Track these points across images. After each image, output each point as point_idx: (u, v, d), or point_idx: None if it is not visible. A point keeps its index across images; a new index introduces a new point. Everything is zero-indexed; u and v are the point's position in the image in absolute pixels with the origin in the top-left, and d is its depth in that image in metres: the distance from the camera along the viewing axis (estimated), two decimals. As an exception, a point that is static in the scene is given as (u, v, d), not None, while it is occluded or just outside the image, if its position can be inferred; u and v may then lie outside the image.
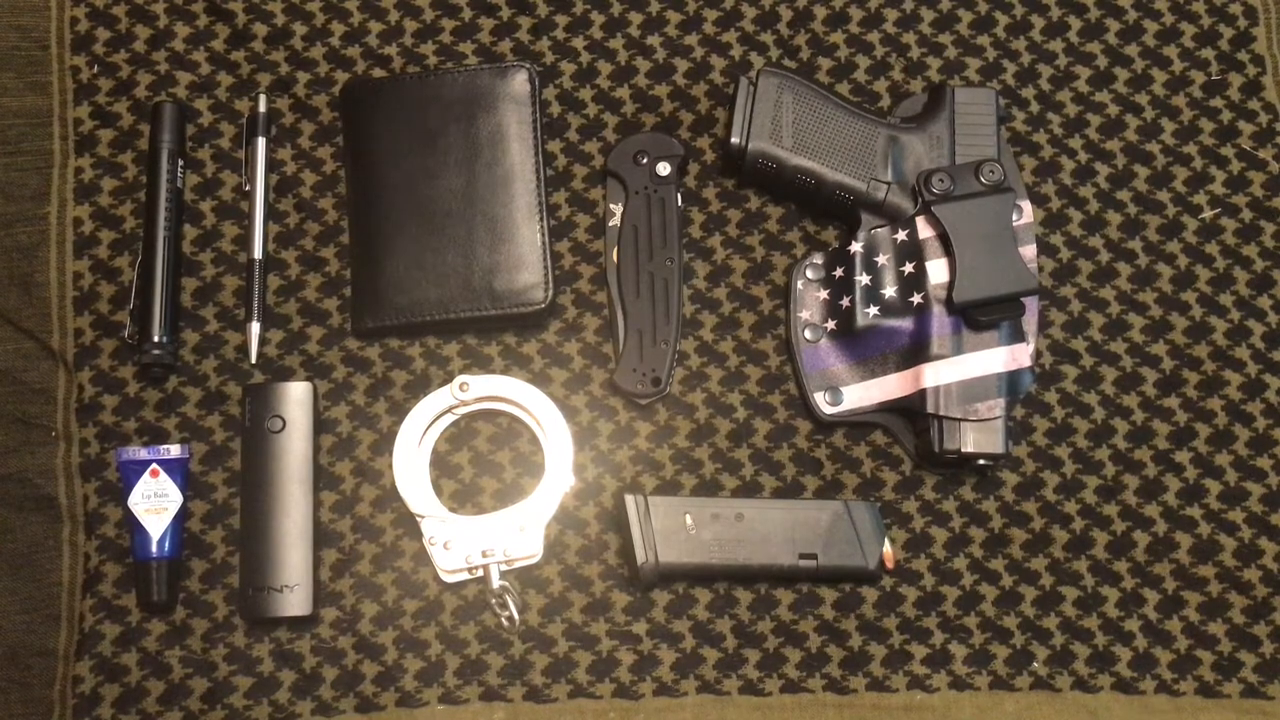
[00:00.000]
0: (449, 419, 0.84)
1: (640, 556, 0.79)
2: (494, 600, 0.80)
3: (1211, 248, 0.89)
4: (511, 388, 0.83)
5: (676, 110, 0.90)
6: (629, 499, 0.80)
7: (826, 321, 0.85)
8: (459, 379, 0.83)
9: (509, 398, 0.83)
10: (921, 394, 0.81)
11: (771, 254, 0.88)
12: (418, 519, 0.81)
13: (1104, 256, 0.89)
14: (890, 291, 0.83)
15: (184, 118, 0.87)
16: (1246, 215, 0.90)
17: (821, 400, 0.84)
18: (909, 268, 0.82)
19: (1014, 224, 0.82)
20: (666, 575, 0.81)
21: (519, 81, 0.86)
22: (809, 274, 0.86)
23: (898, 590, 0.82)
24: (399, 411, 0.84)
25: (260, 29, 0.90)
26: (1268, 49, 0.93)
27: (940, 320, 0.81)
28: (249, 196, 0.86)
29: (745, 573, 0.81)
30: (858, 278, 0.83)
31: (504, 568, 0.81)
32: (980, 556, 0.83)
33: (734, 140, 0.85)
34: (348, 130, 0.88)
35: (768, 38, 0.91)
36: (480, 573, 0.80)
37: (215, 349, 0.84)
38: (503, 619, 0.80)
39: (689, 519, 0.80)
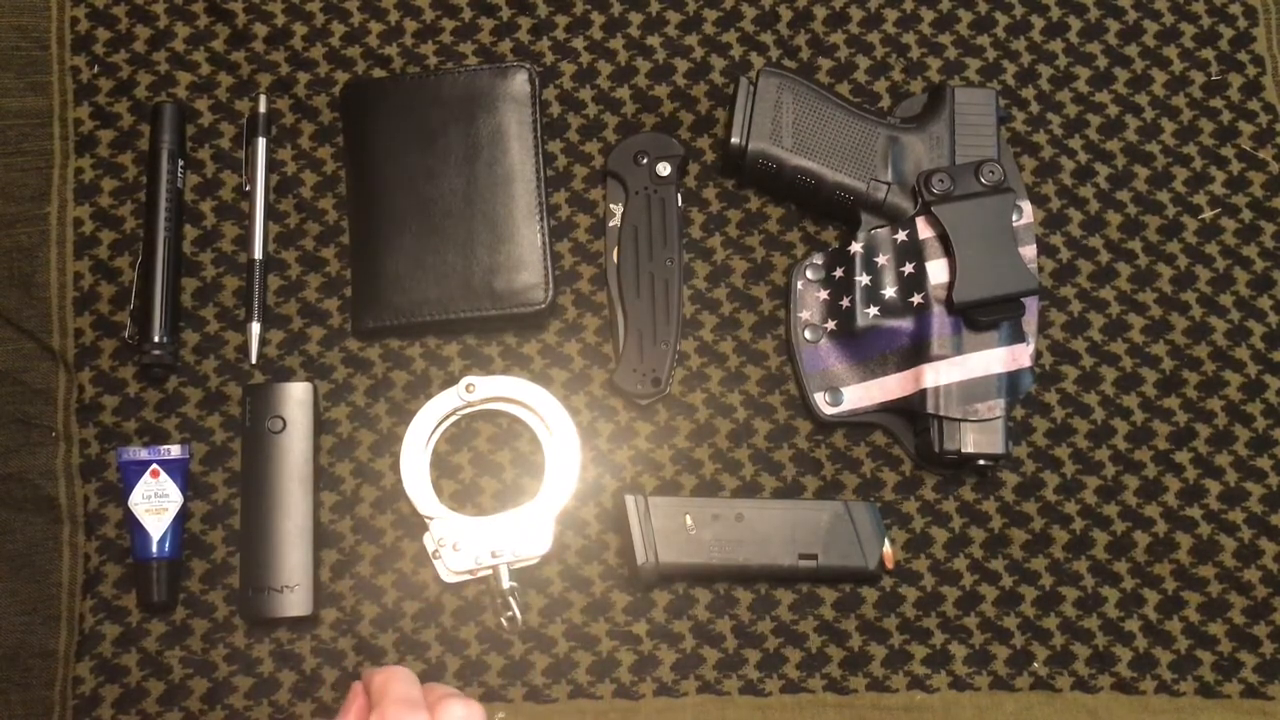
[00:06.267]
0: (454, 420, 0.84)
1: (640, 556, 0.80)
2: (500, 600, 0.80)
3: (1211, 248, 0.89)
4: (518, 388, 0.83)
5: (676, 110, 0.90)
6: (629, 499, 0.80)
7: (826, 322, 0.85)
8: (465, 380, 0.83)
9: (515, 398, 0.83)
10: (921, 394, 0.81)
11: (771, 254, 0.88)
12: (426, 520, 0.81)
13: (1104, 256, 0.89)
14: (890, 292, 0.83)
15: (184, 118, 0.87)
16: (1246, 215, 0.90)
17: (821, 400, 0.84)
18: (909, 268, 0.82)
19: (1014, 224, 0.82)
20: (666, 575, 0.81)
21: (519, 81, 0.86)
22: (809, 274, 0.86)
23: (898, 590, 0.83)
24: (399, 412, 0.84)
25: (260, 29, 0.90)
26: (1268, 49, 0.93)
27: (940, 320, 0.81)
28: (249, 196, 0.86)
29: (745, 573, 0.81)
30: (858, 278, 0.83)
31: (514, 566, 0.81)
32: (980, 557, 0.83)
33: (734, 140, 0.85)
34: (348, 130, 0.88)
35: (768, 38, 0.91)
36: (481, 573, 0.80)
37: (215, 349, 0.84)
38: (504, 619, 0.80)
39: (689, 519, 0.80)
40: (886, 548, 0.81)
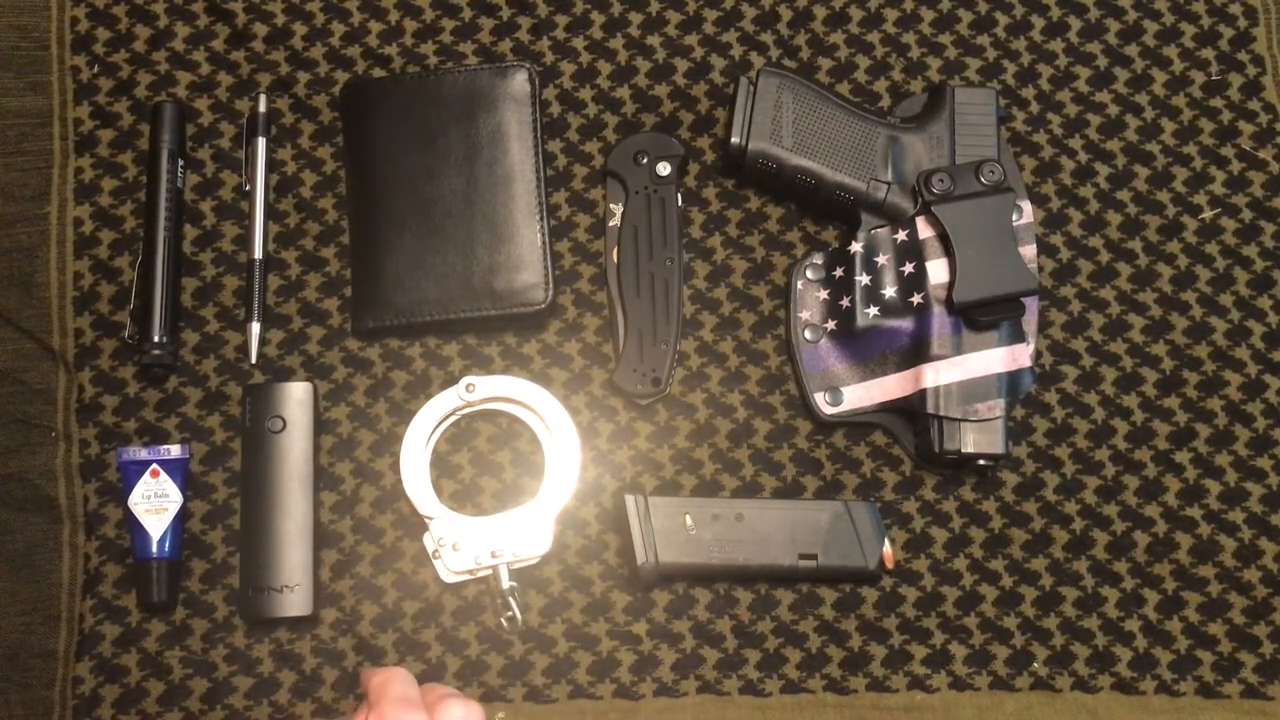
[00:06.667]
0: (454, 420, 0.84)
1: (640, 556, 0.79)
2: (500, 600, 0.80)
3: (1211, 248, 0.89)
4: (518, 388, 0.83)
5: (676, 110, 0.90)
6: (629, 499, 0.80)
7: (826, 321, 0.85)
8: (465, 380, 0.83)
9: (515, 398, 0.83)
10: (921, 394, 0.81)
11: (771, 254, 0.88)
12: (426, 520, 0.81)
13: (1104, 256, 0.89)
14: (890, 291, 0.83)
15: (184, 118, 0.87)
16: (1246, 215, 0.90)
17: (821, 400, 0.84)
18: (909, 268, 0.82)
19: (1014, 224, 0.82)
20: (666, 575, 0.81)
21: (519, 81, 0.86)
22: (809, 274, 0.86)
23: (898, 590, 0.83)
24: (399, 412, 0.84)
25: (260, 29, 0.90)
26: (1268, 49, 0.93)
27: (940, 320, 0.81)
28: (249, 196, 0.86)
29: (745, 573, 0.81)
30: (858, 278, 0.83)
31: (514, 566, 0.81)
32: (980, 557, 0.83)
33: (734, 140, 0.85)
34: (348, 130, 0.88)
35: (768, 38, 0.91)
36: (481, 573, 0.80)
37: (215, 349, 0.84)
38: (504, 619, 0.80)
39: (689, 519, 0.80)
40: (886, 548, 0.81)
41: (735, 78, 0.86)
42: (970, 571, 0.83)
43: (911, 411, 0.82)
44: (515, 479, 0.83)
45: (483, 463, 0.84)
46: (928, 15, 0.92)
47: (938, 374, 0.81)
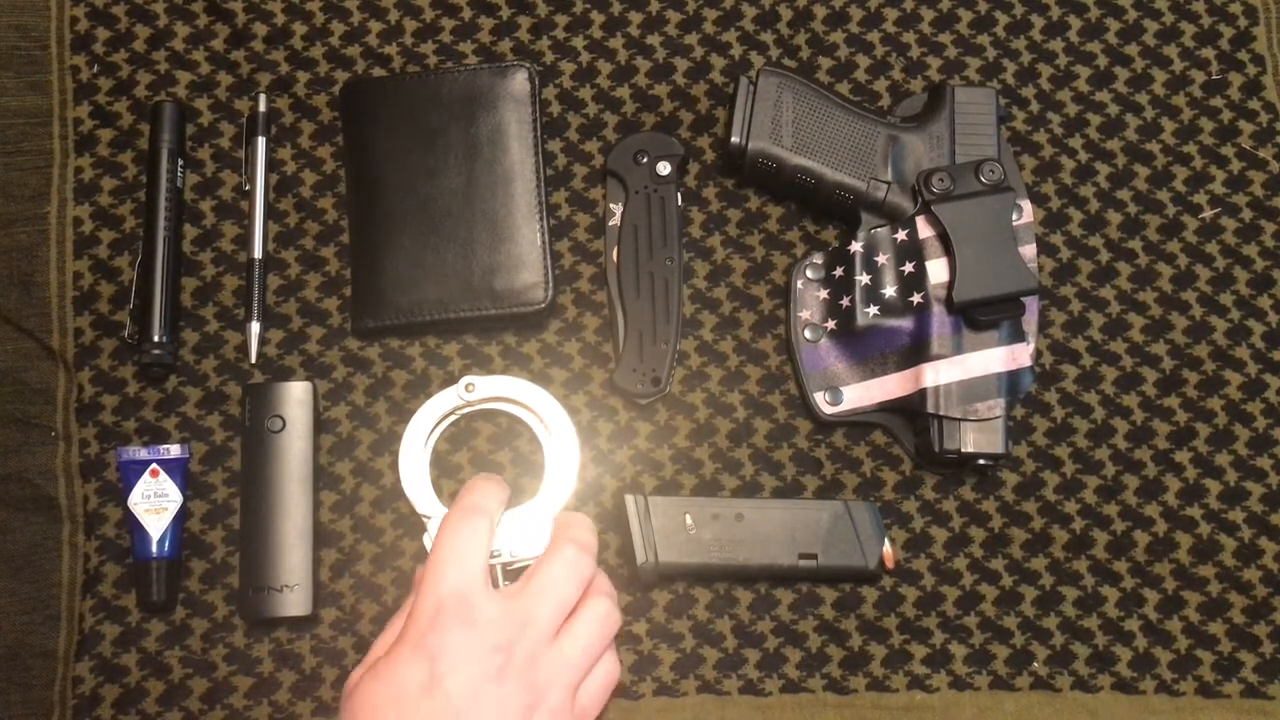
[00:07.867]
0: (453, 419, 0.84)
1: (640, 556, 0.79)
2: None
3: (1211, 248, 0.89)
4: (517, 388, 0.83)
5: (676, 110, 0.90)
6: (629, 499, 0.80)
7: (826, 321, 0.85)
8: (465, 379, 0.83)
9: (515, 398, 0.83)
10: (921, 394, 0.81)
11: (771, 254, 0.88)
12: (426, 520, 0.81)
13: (1104, 256, 0.89)
14: (890, 291, 0.83)
15: (184, 118, 0.87)
16: (1246, 215, 0.90)
17: (821, 400, 0.84)
18: (909, 267, 0.82)
19: (1014, 224, 0.82)
20: (666, 575, 0.81)
21: (519, 81, 0.86)
22: (809, 274, 0.86)
23: (898, 590, 0.83)
24: (399, 411, 0.84)
25: (260, 29, 0.89)
26: (1268, 49, 0.93)
27: (940, 320, 0.81)
28: (249, 196, 0.86)
29: (745, 573, 0.81)
30: (858, 277, 0.83)
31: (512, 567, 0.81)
32: (980, 556, 0.83)
33: (734, 140, 0.84)
34: (348, 130, 0.87)
35: (768, 38, 0.91)
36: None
37: (215, 349, 0.84)
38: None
39: (689, 519, 0.80)
40: (886, 548, 0.81)
41: (735, 77, 0.86)
42: (970, 571, 0.83)
43: (911, 411, 0.82)
44: (515, 479, 0.83)
45: (483, 463, 0.84)
46: (928, 15, 0.92)
47: (938, 373, 0.81)
